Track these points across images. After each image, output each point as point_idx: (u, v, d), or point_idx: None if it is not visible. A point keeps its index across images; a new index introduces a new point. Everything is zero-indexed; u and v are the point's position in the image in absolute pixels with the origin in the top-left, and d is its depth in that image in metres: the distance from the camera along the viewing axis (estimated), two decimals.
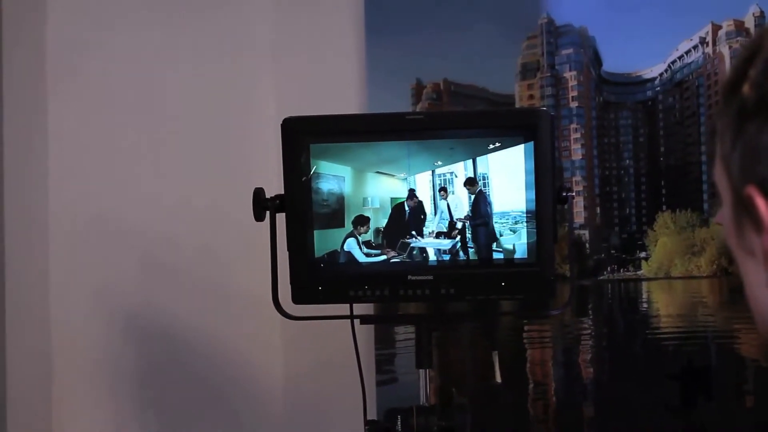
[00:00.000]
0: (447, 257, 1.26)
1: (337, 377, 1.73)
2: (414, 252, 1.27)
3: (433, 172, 1.26)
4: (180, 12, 1.80)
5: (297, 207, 1.25)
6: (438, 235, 1.27)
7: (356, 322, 1.30)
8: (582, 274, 3.15)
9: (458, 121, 1.29)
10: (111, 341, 1.75)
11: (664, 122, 3.40)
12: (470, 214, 1.26)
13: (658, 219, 3.30)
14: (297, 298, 1.26)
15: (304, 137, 1.25)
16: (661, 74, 3.36)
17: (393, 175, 1.27)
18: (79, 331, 1.73)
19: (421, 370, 1.29)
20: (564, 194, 1.23)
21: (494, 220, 1.24)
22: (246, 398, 1.82)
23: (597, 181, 3.38)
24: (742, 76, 0.61)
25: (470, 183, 1.26)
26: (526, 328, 3.11)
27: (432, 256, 1.27)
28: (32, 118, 1.72)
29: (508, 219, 1.24)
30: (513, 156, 1.23)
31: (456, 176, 1.26)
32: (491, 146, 1.24)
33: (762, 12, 3.13)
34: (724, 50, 3.20)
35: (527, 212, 1.23)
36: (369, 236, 1.27)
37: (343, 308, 1.30)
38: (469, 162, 1.25)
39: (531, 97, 3.32)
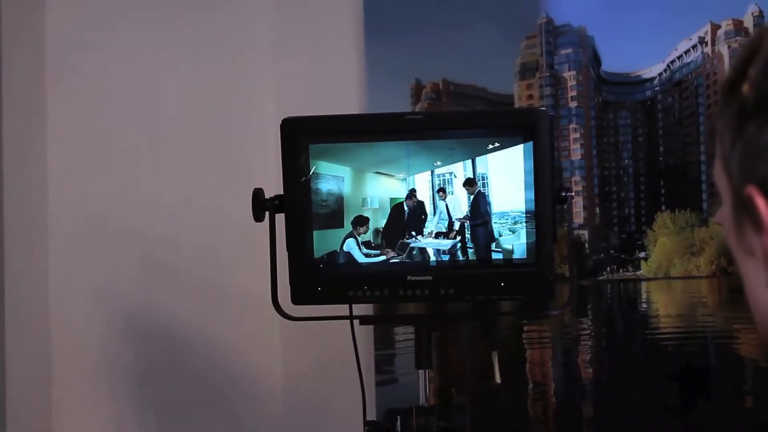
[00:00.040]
0: (446, 257, 1.26)
1: (336, 377, 1.74)
2: (413, 252, 1.27)
3: (432, 172, 1.26)
4: (180, 12, 1.80)
5: (296, 207, 1.25)
6: (437, 235, 1.27)
7: (356, 322, 1.30)
8: (581, 274, 3.15)
9: (457, 121, 1.29)
10: (111, 341, 1.75)
11: (663, 122, 3.40)
12: (469, 215, 1.26)
13: (658, 219, 3.29)
14: (296, 299, 1.26)
15: (304, 137, 1.25)
16: (660, 74, 3.36)
17: (392, 176, 1.27)
18: (79, 331, 1.73)
19: (420, 371, 1.29)
20: (563, 194, 1.23)
21: (493, 220, 1.24)
22: (246, 398, 1.82)
23: (596, 181, 3.37)
24: (741, 75, 0.61)
25: (469, 183, 1.26)
26: (525, 328, 3.11)
27: (431, 257, 1.27)
28: (32, 118, 1.72)
29: (507, 219, 1.24)
30: (512, 156, 1.23)
31: (455, 176, 1.26)
32: (490, 146, 1.24)
33: (761, 11, 3.13)
34: (723, 50, 3.20)
35: (526, 212, 1.23)
36: (368, 236, 1.27)
37: (342, 309, 1.30)
38: (469, 162, 1.25)
39: (530, 97, 3.32)
